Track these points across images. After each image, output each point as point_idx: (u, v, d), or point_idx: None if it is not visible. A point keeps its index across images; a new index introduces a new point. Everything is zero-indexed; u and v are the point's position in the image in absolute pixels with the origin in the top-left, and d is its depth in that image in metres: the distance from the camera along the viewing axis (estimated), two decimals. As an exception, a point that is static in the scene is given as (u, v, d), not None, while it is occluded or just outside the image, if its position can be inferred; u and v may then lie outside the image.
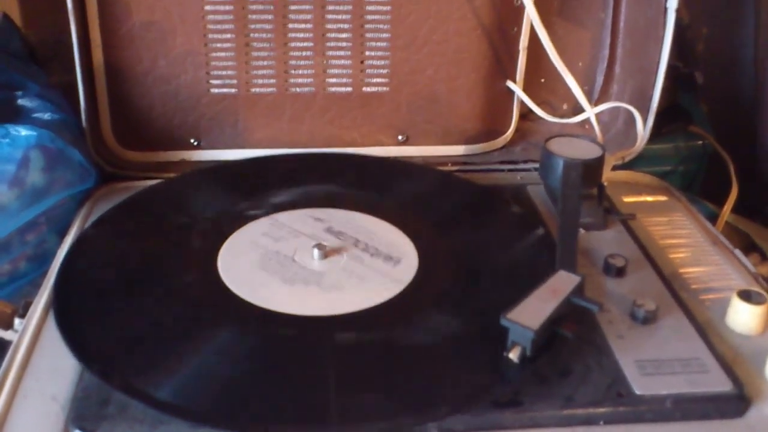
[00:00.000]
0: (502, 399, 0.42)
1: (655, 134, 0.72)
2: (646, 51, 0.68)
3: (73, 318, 0.46)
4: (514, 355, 0.42)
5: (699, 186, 0.85)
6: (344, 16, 0.66)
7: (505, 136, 0.73)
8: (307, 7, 0.65)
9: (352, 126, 0.69)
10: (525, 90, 0.71)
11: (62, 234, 0.59)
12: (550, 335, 0.43)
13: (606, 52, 0.72)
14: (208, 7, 0.64)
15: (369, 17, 0.66)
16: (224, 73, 0.66)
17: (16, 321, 0.49)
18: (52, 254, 0.56)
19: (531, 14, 0.65)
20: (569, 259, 0.48)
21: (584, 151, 0.59)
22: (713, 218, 0.76)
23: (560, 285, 0.44)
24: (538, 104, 0.71)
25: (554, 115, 0.73)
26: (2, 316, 0.49)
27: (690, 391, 0.42)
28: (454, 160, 0.71)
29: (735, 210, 0.77)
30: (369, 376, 0.43)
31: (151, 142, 0.68)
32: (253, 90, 0.67)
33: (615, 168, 0.68)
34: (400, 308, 0.48)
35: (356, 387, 0.42)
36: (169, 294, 0.48)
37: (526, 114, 0.73)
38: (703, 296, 0.51)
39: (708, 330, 0.47)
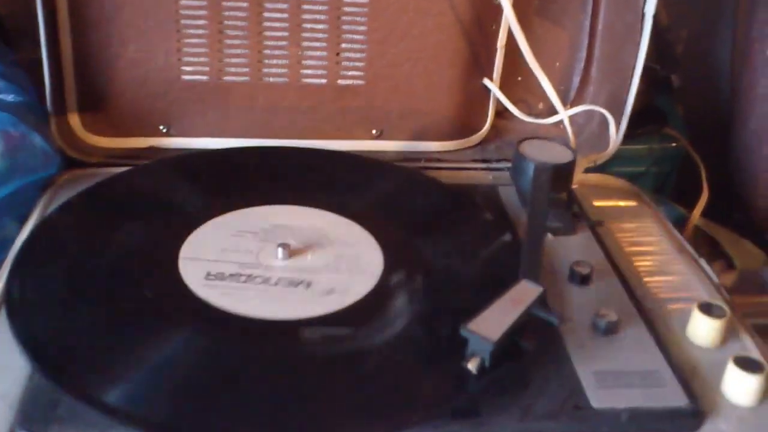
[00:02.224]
0: (460, 409, 0.41)
1: (630, 135, 0.72)
2: (623, 55, 0.68)
3: (24, 313, 0.45)
4: (472, 366, 0.41)
5: (671, 188, 0.86)
6: (321, 7, 0.64)
7: (480, 133, 0.72)
8: (283, -4, 0.64)
9: (326, 118, 0.69)
10: (501, 88, 0.71)
11: (22, 220, 0.58)
12: (509, 346, 0.42)
13: (583, 53, 0.72)
14: (180, -7, 0.63)
15: (346, 9, 0.65)
16: (196, 60, 0.65)
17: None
18: (11, 241, 0.55)
19: (508, 14, 0.65)
20: (534, 267, 0.47)
21: (556, 154, 0.59)
22: (683, 221, 0.76)
23: (522, 295, 0.44)
24: (515, 102, 0.71)
25: (530, 113, 0.72)
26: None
27: (645, 405, 0.42)
28: (427, 156, 0.70)
29: (705, 214, 0.77)
30: (325, 384, 0.42)
31: (118, 127, 0.66)
32: (225, 78, 0.66)
33: (587, 170, 0.68)
34: (358, 314, 0.47)
35: (310, 396, 0.41)
36: (127, 292, 0.47)
37: (501, 112, 0.73)
38: (667, 306, 0.51)
39: (668, 342, 0.47)
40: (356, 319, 0.47)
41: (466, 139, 0.72)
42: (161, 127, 0.67)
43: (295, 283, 0.49)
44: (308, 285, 0.49)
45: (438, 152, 0.71)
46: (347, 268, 0.51)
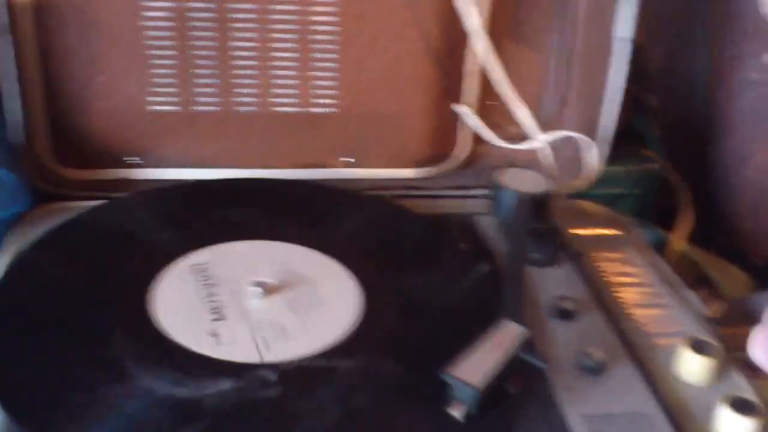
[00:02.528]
0: (445, 458, 0.40)
1: (608, 157, 0.71)
2: (599, 78, 0.68)
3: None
4: (456, 412, 0.40)
5: (651, 210, 0.85)
6: (290, 35, 0.63)
7: (455, 160, 0.71)
8: (250, 25, 0.62)
9: (299, 146, 0.67)
10: (478, 112, 0.69)
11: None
12: (494, 390, 0.41)
13: (559, 77, 0.71)
14: (147, 23, 0.61)
15: (316, 37, 0.64)
16: (165, 90, 0.63)
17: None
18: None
19: (481, 40, 0.63)
20: (516, 305, 0.46)
21: (534, 183, 0.58)
22: (663, 243, 0.75)
23: (506, 338, 0.42)
24: (491, 127, 0.70)
25: (506, 138, 0.71)
26: None
27: (636, 449, 0.41)
28: (403, 183, 0.69)
29: (688, 238, 0.76)
30: (300, 428, 0.40)
31: (90, 159, 0.64)
32: (195, 108, 0.64)
33: (567, 197, 0.67)
34: (339, 354, 0.45)
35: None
36: (101, 335, 0.45)
37: (477, 137, 0.72)
38: (654, 341, 0.50)
39: (657, 380, 0.46)
40: (336, 358, 0.45)
41: (441, 166, 0.71)
42: (133, 158, 0.65)
43: (273, 328, 0.47)
44: (283, 329, 0.47)
45: (413, 179, 0.70)
46: (323, 304, 0.49)
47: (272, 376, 0.43)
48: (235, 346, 0.45)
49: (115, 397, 0.41)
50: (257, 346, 0.46)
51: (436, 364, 0.41)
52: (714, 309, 0.57)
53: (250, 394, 0.42)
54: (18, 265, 0.52)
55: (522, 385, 0.41)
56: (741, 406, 0.41)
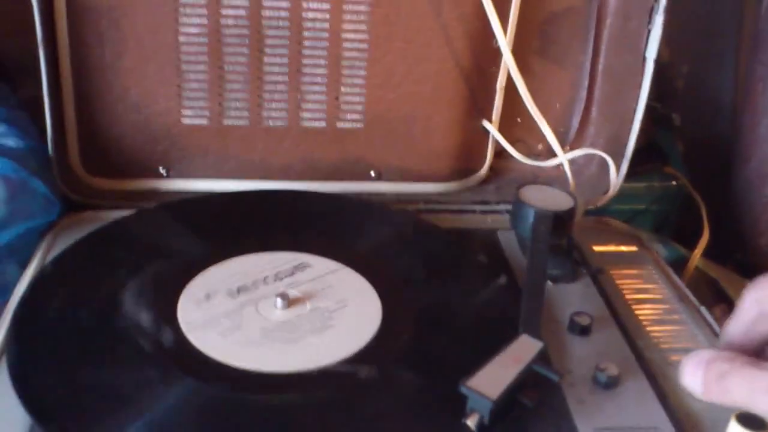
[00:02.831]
0: (459, 467, 0.41)
1: (630, 173, 0.72)
2: (624, 97, 0.68)
3: (25, 366, 0.45)
4: (472, 423, 0.41)
5: (671, 227, 0.85)
6: (320, 52, 0.65)
7: (478, 175, 0.72)
8: (283, 42, 0.64)
9: (326, 161, 0.69)
10: (500, 129, 0.71)
11: (23, 264, 0.58)
12: (510, 402, 0.42)
13: (584, 94, 0.72)
14: (182, 38, 0.63)
15: (346, 54, 0.65)
16: (196, 104, 0.65)
17: (-31, 363, 0.48)
18: (12, 285, 0.55)
19: (507, 60, 0.65)
20: (534, 320, 0.47)
21: (556, 200, 0.59)
22: (684, 261, 0.76)
23: (522, 351, 0.43)
24: (513, 143, 0.71)
25: (529, 154, 0.72)
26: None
27: (647, 464, 0.42)
28: (426, 198, 0.70)
29: (706, 254, 0.77)
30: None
31: (119, 170, 0.66)
32: (225, 122, 0.66)
33: (586, 213, 0.68)
34: (359, 366, 0.47)
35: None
36: (128, 346, 0.47)
37: (500, 152, 0.73)
38: (669, 357, 0.51)
39: (670, 396, 0.47)
40: (356, 370, 0.47)
41: (464, 181, 0.72)
42: (161, 170, 0.67)
43: (296, 335, 0.49)
44: (295, 341, 0.49)
45: (437, 194, 0.71)
46: (345, 316, 0.51)
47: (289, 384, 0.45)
48: (253, 355, 0.47)
49: (140, 403, 0.43)
50: (275, 356, 0.47)
51: (453, 376, 0.42)
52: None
53: (263, 402, 0.44)
54: (48, 273, 0.54)
55: (537, 397, 0.42)
56: (750, 421, 0.42)
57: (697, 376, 0.41)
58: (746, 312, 0.44)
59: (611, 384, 0.47)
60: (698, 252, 0.75)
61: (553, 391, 0.46)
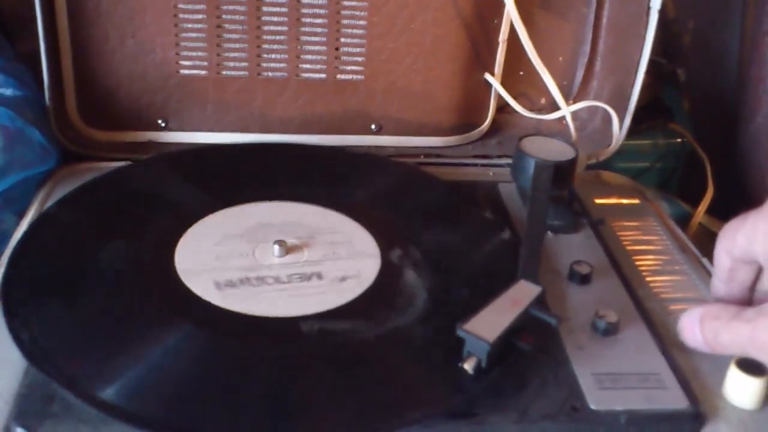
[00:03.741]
0: (456, 410, 0.41)
1: (634, 130, 0.71)
2: (627, 49, 0.67)
3: (20, 309, 0.44)
4: (469, 366, 0.41)
5: (675, 184, 0.85)
6: (320, 1, 0.64)
7: (480, 129, 0.71)
8: (281, -10, 0.63)
9: (325, 113, 0.68)
10: (503, 82, 0.70)
11: (21, 214, 0.57)
12: (507, 346, 0.42)
13: (587, 47, 0.71)
14: (179, -14, 0.62)
15: (346, 3, 0.64)
16: (194, 54, 0.64)
17: (-34, 307, 0.48)
18: (10, 234, 0.55)
19: (510, 9, 0.64)
20: (532, 267, 0.47)
21: (558, 152, 0.58)
22: (687, 218, 0.75)
23: (520, 295, 0.43)
24: (516, 97, 0.70)
25: (532, 108, 0.72)
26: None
27: (645, 408, 0.42)
28: (427, 151, 0.70)
29: (710, 211, 0.76)
30: (318, 384, 0.42)
31: (117, 121, 0.66)
32: (224, 73, 0.65)
33: (589, 167, 0.67)
34: (356, 312, 0.47)
35: (304, 397, 0.41)
36: (123, 288, 0.47)
37: (503, 107, 0.72)
38: (669, 307, 0.50)
39: (669, 343, 0.47)
40: (353, 316, 0.47)
41: (466, 135, 0.71)
42: (159, 121, 0.66)
43: (293, 282, 0.48)
44: (319, 276, 0.49)
45: (438, 147, 0.70)
46: (342, 265, 0.50)
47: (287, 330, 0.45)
48: (249, 300, 0.47)
49: (135, 346, 0.43)
50: (271, 302, 0.47)
51: (450, 324, 0.42)
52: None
53: (259, 347, 0.44)
54: (43, 222, 0.53)
55: (534, 342, 0.42)
56: (750, 366, 0.42)
57: (697, 336, 0.42)
58: (721, 265, 0.44)
59: (610, 331, 0.46)
60: (702, 208, 0.74)
61: (551, 337, 0.46)
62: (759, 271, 0.44)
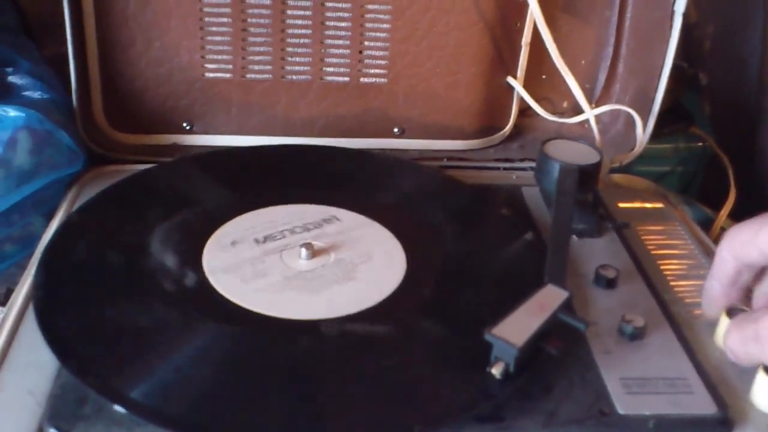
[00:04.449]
0: (484, 414, 0.41)
1: (655, 134, 0.71)
2: (651, 52, 0.67)
3: (52, 311, 0.45)
4: (496, 371, 0.41)
5: (696, 188, 0.84)
6: (344, 5, 0.64)
7: (502, 132, 0.72)
8: (306, -6, 0.63)
9: (348, 116, 0.68)
10: (525, 86, 0.70)
11: (49, 216, 0.58)
12: (534, 351, 0.42)
13: (610, 50, 0.71)
14: (205, -10, 0.62)
15: (369, 7, 0.64)
16: (219, 57, 0.65)
17: (-3, 309, 0.48)
18: (38, 236, 0.55)
19: (534, 11, 0.64)
20: (559, 271, 0.47)
21: (582, 155, 0.58)
22: (709, 222, 0.75)
23: (547, 300, 0.43)
24: (538, 101, 0.70)
25: (554, 112, 0.72)
26: (-17, 304, 0.48)
27: (674, 413, 0.42)
28: (449, 155, 0.70)
29: (732, 215, 0.76)
30: (344, 387, 0.42)
31: (142, 124, 0.66)
32: (248, 76, 0.66)
33: (612, 170, 0.67)
34: (382, 316, 0.47)
35: (333, 399, 0.41)
36: (152, 289, 0.47)
37: (524, 110, 0.72)
38: (694, 311, 0.50)
39: (696, 348, 0.47)
40: (380, 319, 0.47)
41: (488, 138, 0.71)
42: (184, 124, 0.67)
43: (319, 285, 0.49)
44: (346, 279, 0.49)
45: (460, 151, 0.70)
46: (370, 268, 0.51)
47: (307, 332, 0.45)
48: (276, 302, 0.47)
49: (163, 345, 0.43)
50: (297, 304, 0.47)
51: (476, 328, 0.42)
52: (755, 284, 0.57)
53: (283, 348, 0.44)
54: (73, 224, 0.54)
55: (561, 346, 0.42)
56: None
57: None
58: (724, 267, 0.45)
59: (637, 335, 0.46)
60: (725, 212, 0.74)
61: (578, 342, 0.46)
62: (759, 274, 0.46)
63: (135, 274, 0.49)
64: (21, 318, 0.47)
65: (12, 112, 0.57)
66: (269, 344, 0.44)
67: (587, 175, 0.57)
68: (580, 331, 0.43)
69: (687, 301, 0.51)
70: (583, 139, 0.61)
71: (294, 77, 0.66)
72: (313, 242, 0.52)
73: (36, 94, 0.61)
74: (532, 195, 0.62)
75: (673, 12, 0.65)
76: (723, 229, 0.74)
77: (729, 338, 0.44)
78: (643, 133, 0.67)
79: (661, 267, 0.55)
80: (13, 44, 0.67)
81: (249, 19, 0.64)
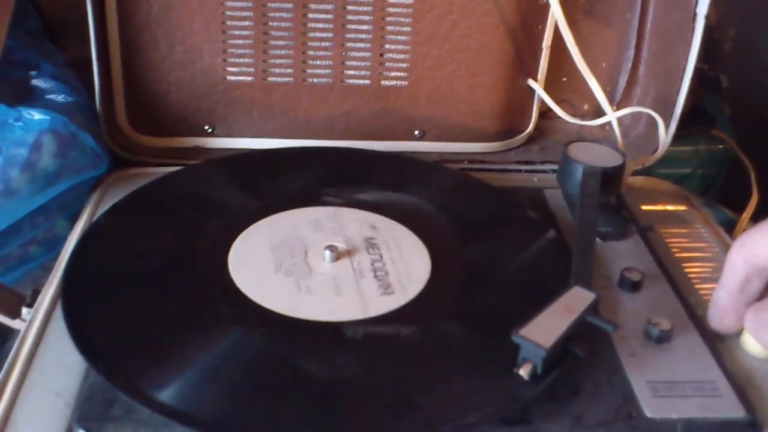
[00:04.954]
0: (511, 416, 0.41)
1: (676, 136, 0.70)
2: (672, 55, 0.67)
3: (80, 312, 0.45)
4: (524, 372, 0.41)
5: (717, 191, 0.84)
6: (365, 8, 0.64)
7: (523, 135, 0.71)
8: (327, -3, 0.64)
9: (369, 119, 0.68)
10: (546, 88, 0.70)
11: (73, 219, 0.58)
12: (561, 353, 0.42)
13: (631, 53, 0.71)
14: (227, -6, 0.63)
15: (390, 10, 0.65)
16: (241, 61, 0.65)
17: (24, 310, 0.49)
18: (63, 239, 0.56)
19: (556, 14, 0.64)
20: (585, 273, 0.47)
21: (604, 158, 0.58)
22: (731, 225, 0.75)
23: (574, 302, 0.43)
24: (559, 103, 0.70)
25: (575, 114, 0.71)
26: (10, 305, 0.49)
27: (702, 416, 0.42)
28: (470, 157, 0.70)
29: (754, 217, 0.75)
30: (371, 389, 0.42)
31: (165, 127, 0.67)
32: (269, 79, 0.66)
33: (634, 173, 0.67)
34: (408, 318, 0.47)
35: (358, 401, 0.41)
36: (179, 291, 0.48)
37: (545, 112, 0.72)
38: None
39: (723, 351, 0.46)
40: (405, 321, 0.47)
41: (509, 141, 0.71)
42: (206, 127, 0.67)
43: (344, 287, 0.49)
44: (371, 281, 0.49)
45: (481, 153, 0.70)
46: (394, 270, 0.51)
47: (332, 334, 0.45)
48: (301, 305, 0.47)
49: (190, 350, 0.43)
50: (323, 306, 0.47)
51: (501, 330, 0.42)
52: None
53: (312, 352, 0.44)
54: (99, 227, 0.54)
55: (588, 348, 0.42)
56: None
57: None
58: (736, 274, 0.44)
59: (663, 338, 0.46)
60: (747, 215, 0.74)
61: (604, 344, 0.46)
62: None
63: (161, 276, 0.49)
64: (48, 319, 0.47)
65: (37, 116, 0.57)
66: (294, 346, 0.45)
67: (610, 178, 0.56)
68: (607, 332, 0.43)
69: (712, 303, 0.51)
70: (606, 142, 0.60)
71: (315, 80, 0.67)
72: (337, 244, 0.52)
73: (60, 98, 0.62)
74: (555, 197, 0.62)
75: (695, 14, 0.64)
76: (743, 231, 0.74)
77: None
78: (665, 135, 0.67)
79: (686, 270, 0.54)
80: (36, 48, 0.67)
81: (270, 23, 0.64)
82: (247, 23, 0.64)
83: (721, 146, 0.83)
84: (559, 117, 0.70)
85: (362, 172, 0.62)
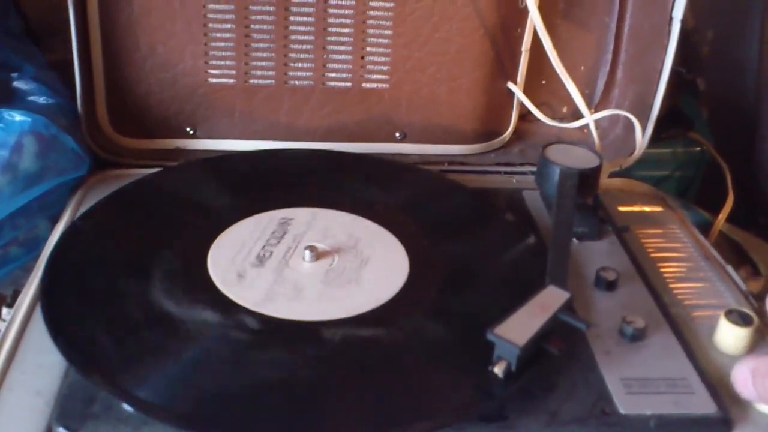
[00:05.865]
0: (487, 413, 0.42)
1: (654, 139, 0.71)
2: (649, 58, 0.68)
3: (59, 312, 0.46)
4: (499, 370, 0.42)
5: (695, 193, 0.85)
6: (346, 11, 0.65)
7: (503, 137, 0.72)
8: (309, 0, 0.64)
9: (351, 121, 0.69)
10: (525, 91, 0.71)
11: (54, 220, 0.59)
12: (536, 351, 0.43)
13: (609, 56, 0.71)
14: (209, -4, 0.63)
15: (371, 13, 0.65)
16: (223, 63, 0.66)
17: (4, 310, 0.49)
18: (44, 240, 0.56)
19: (535, 18, 0.65)
20: (560, 272, 0.47)
21: (582, 159, 0.59)
22: (707, 226, 0.76)
23: (549, 301, 0.44)
24: (538, 106, 0.71)
25: (554, 117, 0.72)
26: (-10, 306, 0.49)
27: (674, 413, 0.42)
28: (450, 159, 0.70)
29: (729, 219, 0.76)
30: (350, 387, 0.43)
31: (146, 129, 0.67)
32: (251, 81, 0.66)
33: (611, 174, 0.68)
34: (385, 317, 0.47)
35: (337, 399, 0.42)
36: (158, 291, 0.48)
37: (524, 115, 0.73)
38: (693, 313, 0.51)
39: (696, 349, 0.47)
40: (384, 320, 0.47)
41: (489, 143, 0.72)
42: (188, 129, 0.67)
43: (323, 287, 0.49)
44: (349, 281, 0.50)
45: (461, 155, 0.71)
46: (373, 270, 0.51)
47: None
48: (280, 305, 0.48)
49: (169, 350, 0.44)
50: (302, 306, 0.48)
51: (478, 329, 0.42)
52: (754, 287, 0.58)
53: (290, 349, 0.45)
54: (79, 227, 0.54)
55: (562, 346, 0.43)
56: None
57: (750, 390, 0.42)
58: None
59: (638, 336, 0.47)
60: (723, 216, 0.75)
61: (579, 343, 0.47)
62: None
63: (140, 276, 0.49)
64: (28, 319, 0.47)
65: (18, 117, 0.57)
66: (274, 345, 0.45)
67: (587, 179, 0.57)
68: (581, 330, 0.44)
69: (686, 302, 0.52)
70: (584, 144, 0.61)
71: (297, 83, 0.67)
72: (317, 245, 0.52)
73: (41, 99, 0.62)
74: (533, 198, 0.63)
75: (671, 18, 0.66)
76: (721, 233, 0.75)
77: (756, 383, 0.42)
78: (642, 137, 0.68)
79: (661, 269, 0.55)
80: (17, 49, 0.68)
81: (252, 25, 0.65)
82: (228, 25, 0.64)
83: (698, 149, 0.84)
84: (538, 120, 0.71)
85: (342, 174, 0.63)
